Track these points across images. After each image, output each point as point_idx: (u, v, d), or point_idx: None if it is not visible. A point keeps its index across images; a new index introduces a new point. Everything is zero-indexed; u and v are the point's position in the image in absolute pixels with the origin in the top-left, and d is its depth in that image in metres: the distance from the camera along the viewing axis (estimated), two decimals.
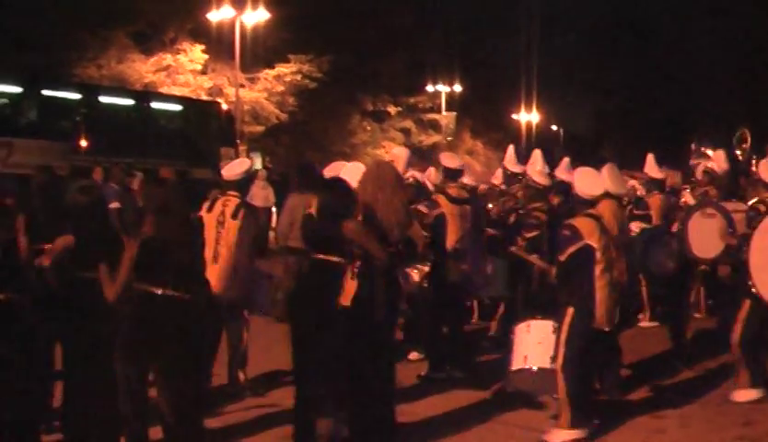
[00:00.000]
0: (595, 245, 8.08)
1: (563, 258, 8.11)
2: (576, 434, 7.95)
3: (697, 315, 13.63)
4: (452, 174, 10.65)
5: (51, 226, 7.50)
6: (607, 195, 9.02)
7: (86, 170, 17.76)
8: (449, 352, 10.40)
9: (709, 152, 25.05)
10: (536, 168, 12.63)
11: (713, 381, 10.16)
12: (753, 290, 9.02)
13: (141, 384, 6.97)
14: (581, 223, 8.18)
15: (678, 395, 9.66)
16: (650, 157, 13.34)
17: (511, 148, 14.28)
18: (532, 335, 8.29)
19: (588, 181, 8.51)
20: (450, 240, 10.11)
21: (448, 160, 10.87)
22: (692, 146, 27.71)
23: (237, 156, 30.26)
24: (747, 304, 9.17)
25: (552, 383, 8.12)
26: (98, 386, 7.07)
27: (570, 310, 8.07)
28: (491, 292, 11.82)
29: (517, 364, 8.32)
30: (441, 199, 10.32)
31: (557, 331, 8.11)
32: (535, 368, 8.27)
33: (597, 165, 10.32)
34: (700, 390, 9.86)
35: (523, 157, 16.02)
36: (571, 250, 8.06)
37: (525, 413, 8.89)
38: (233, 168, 9.55)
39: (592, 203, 8.41)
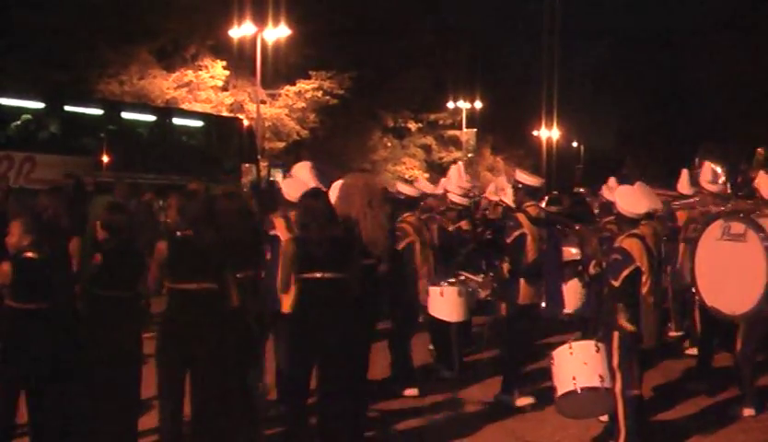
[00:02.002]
0: (643, 268, 8.02)
1: (617, 282, 7.95)
2: None
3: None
4: (532, 192, 10.40)
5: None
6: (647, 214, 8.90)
7: (109, 186, 17.80)
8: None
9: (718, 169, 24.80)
10: (452, 185, 12.35)
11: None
12: (696, 297, 9.13)
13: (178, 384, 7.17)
14: (630, 245, 8.05)
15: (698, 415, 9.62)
16: (684, 173, 13.13)
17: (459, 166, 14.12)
18: (576, 356, 8.09)
19: (633, 200, 8.32)
20: (528, 260, 9.80)
21: (527, 178, 10.47)
22: (696, 161, 27.38)
23: (258, 172, 30.34)
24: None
25: (602, 403, 8.05)
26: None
27: (617, 334, 7.97)
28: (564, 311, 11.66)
29: (565, 386, 8.08)
30: (522, 218, 9.94)
31: (602, 351, 7.96)
32: (584, 388, 8.06)
33: (620, 183, 10.36)
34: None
35: (545, 175, 16.03)
36: (625, 273, 7.94)
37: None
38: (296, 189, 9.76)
39: (636, 222, 8.28)
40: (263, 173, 31.42)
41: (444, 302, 10.51)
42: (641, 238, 8.20)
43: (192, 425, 7.43)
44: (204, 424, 7.27)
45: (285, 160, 39.79)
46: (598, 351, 7.98)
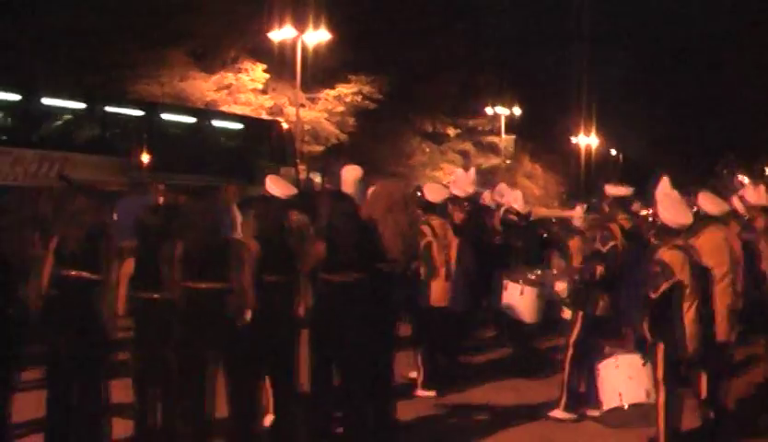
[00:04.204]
0: (685, 281, 7.80)
1: (654, 295, 7.78)
2: None
3: None
4: (622, 202, 10.38)
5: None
6: (708, 219, 8.81)
7: (145, 187, 17.84)
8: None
9: (745, 179, 24.40)
10: (457, 187, 12.19)
11: None
12: None
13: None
14: (671, 257, 7.83)
15: None
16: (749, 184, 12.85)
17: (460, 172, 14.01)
18: (622, 371, 8.05)
19: (676, 210, 8.11)
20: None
21: (616, 189, 10.48)
22: (724, 172, 26.88)
23: (297, 175, 30.34)
24: None
25: (646, 415, 7.98)
26: None
27: (662, 346, 7.84)
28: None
29: (611, 402, 8.08)
30: (615, 229, 9.90)
31: (649, 366, 7.90)
32: (631, 404, 8.05)
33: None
34: None
35: (583, 183, 15.92)
36: (664, 287, 7.75)
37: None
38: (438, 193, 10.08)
39: (679, 233, 8.05)
40: (302, 176, 31.42)
41: (522, 301, 10.36)
42: (684, 249, 7.97)
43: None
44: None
45: (324, 164, 39.88)
46: (644, 365, 7.89)
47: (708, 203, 9.04)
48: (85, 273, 7.35)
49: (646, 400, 7.83)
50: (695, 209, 9.00)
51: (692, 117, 62.49)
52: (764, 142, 44.98)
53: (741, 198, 11.09)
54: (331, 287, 7.86)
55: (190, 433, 7.27)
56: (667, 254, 7.88)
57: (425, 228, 10.46)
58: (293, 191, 9.09)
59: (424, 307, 10.41)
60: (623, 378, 7.91)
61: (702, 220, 8.83)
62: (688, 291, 7.81)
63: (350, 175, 9.18)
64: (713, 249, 8.60)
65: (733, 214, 10.18)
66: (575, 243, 12.88)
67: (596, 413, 9.12)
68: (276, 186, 8.93)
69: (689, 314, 7.87)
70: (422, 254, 10.24)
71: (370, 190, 8.79)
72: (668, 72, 65.67)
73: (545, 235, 16.55)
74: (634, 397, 7.85)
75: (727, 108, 56.01)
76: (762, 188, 11.26)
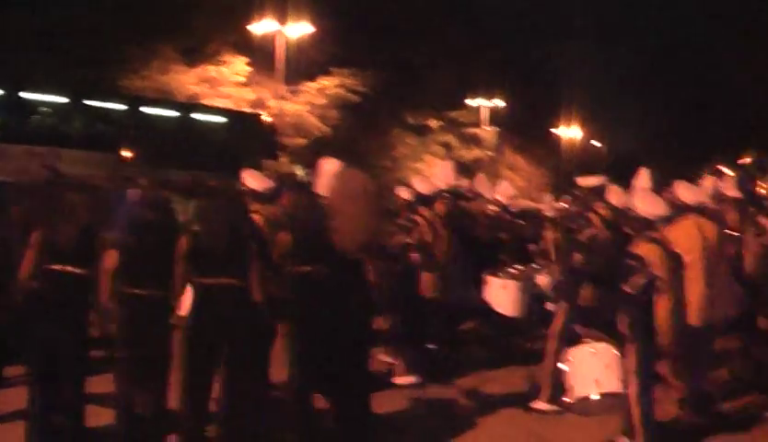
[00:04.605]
0: (662, 275, 7.88)
1: (632, 291, 7.79)
2: None
3: None
4: (597, 192, 10.31)
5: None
6: (686, 209, 9.02)
7: (130, 181, 17.85)
8: None
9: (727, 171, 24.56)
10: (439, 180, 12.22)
11: None
12: None
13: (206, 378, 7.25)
14: (647, 251, 7.88)
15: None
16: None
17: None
18: (600, 358, 8.07)
19: (651, 201, 8.19)
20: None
21: (587, 180, 10.58)
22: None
23: (278, 169, 30.34)
24: None
25: (618, 405, 8.06)
26: None
27: (638, 340, 7.91)
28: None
29: (585, 389, 8.07)
30: (593, 218, 9.84)
31: (622, 356, 7.97)
32: (606, 393, 8.08)
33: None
34: None
35: (567, 175, 16.01)
36: (641, 283, 7.77)
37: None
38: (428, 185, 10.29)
39: (654, 224, 8.09)
40: (285, 169, 31.44)
41: (505, 295, 10.43)
42: (658, 242, 8.02)
43: (221, 424, 7.49)
44: (234, 422, 7.31)
45: (306, 157, 39.88)
46: (616, 355, 7.96)
47: (684, 192, 9.26)
48: (73, 269, 7.40)
49: (621, 390, 7.89)
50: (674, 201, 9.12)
51: (682, 111, 62.53)
52: (756, 135, 45.14)
53: (717, 190, 11.27)
54: (302, 279, 7.82)
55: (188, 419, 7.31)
56: (643, 247, 7.91)
57: (418, 219, 10.53)
58: (269, 184, 9.14)
59: (415, 297, 10.48)
60: (601, 367, 7.95)
61: (678, 210, 8.98)
62: (661, 284, 7.87)
63: (327, 168, 9.24)
64: (685, 236, 8.80)
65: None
66: (549, 234, 13.05)
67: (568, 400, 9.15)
68: (253, 179, 9.00)
69: (665, 306, 7.98)
70: (414, 246, 10.33)
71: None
72: (658, 65, 65.71)
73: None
74: (610, 386, 7.90)
75: (720, 101, 56.15)
76: (731, 180, 11.48)
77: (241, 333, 7.27)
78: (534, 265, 11.60)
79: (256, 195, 9.00)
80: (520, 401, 9.82)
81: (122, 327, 7.41)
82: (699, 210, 9.32)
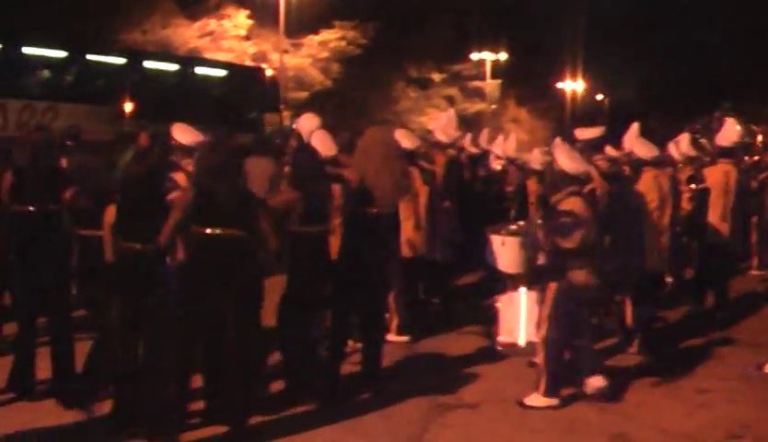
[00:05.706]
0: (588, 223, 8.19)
1: (571, 245, 8.06)
2: (550, 401, 8.11)
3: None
4: (595, 144, 10.61)
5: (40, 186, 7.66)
6: (642, 162, 10.00)
7: (131, 136, 17.78)
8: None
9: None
10: (440, 131, 12.35)
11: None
12: None
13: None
14: (575, 204, 8.12)
15: (726, 369, 9.57)
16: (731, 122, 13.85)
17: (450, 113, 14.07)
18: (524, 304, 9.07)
19: (572, 157, 8.40)
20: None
21: (585, 132, 10.96)
22: (717, 114, 27.28)
23: (281, 122, 30.27)
24: None
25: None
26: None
27: (553, 286, 8.18)
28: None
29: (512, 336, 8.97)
30: (592, 171, 9.53)
31: (541, 303, 8.37)
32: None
33: (645, 135, 10.38)
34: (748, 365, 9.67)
35: (570, 128, 15.98)
36: (579, 234, 8.07)
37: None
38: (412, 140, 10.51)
39: (577, 179, 8.30)
40: (286, 123, 31.33)
41: (504, 251, 10.39)
42: (583, 195, 8.30)
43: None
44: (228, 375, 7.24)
45: (308, 111, 39.74)
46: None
47: (641, 148, 10.16)
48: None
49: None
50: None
51: (685, 61, 62.18)
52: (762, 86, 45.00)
53: (677, 145, 12.42)
54: (306, 238, 7.92)
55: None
56: (571, 202, 8.13)
57: (413, 172, 10.43)
58: (199, 138, 8.83)
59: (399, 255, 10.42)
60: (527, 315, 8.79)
61: (637, 164, 10.08)
62: (586, 233, 8.13)
63: (307, 124, 9.16)
64: (644, 188, 9.90)
65: (669, 159, 11.62)
66: (532, 185, 13.02)
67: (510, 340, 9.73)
68: (182, 133, 8.79)
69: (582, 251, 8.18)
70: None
71: (360, 138, 8.51)
72: (660, 15, 65.17)
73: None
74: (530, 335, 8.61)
75: (723, 51, 55.88)
76: (687, 138, 12.88)
77: (244, 282, 7.16)
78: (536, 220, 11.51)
79: (184, 149, 8.71)
80: (521, 353, 9.74)
81: (119, 281, 7.32)
82: (655, 163, 10.17)
